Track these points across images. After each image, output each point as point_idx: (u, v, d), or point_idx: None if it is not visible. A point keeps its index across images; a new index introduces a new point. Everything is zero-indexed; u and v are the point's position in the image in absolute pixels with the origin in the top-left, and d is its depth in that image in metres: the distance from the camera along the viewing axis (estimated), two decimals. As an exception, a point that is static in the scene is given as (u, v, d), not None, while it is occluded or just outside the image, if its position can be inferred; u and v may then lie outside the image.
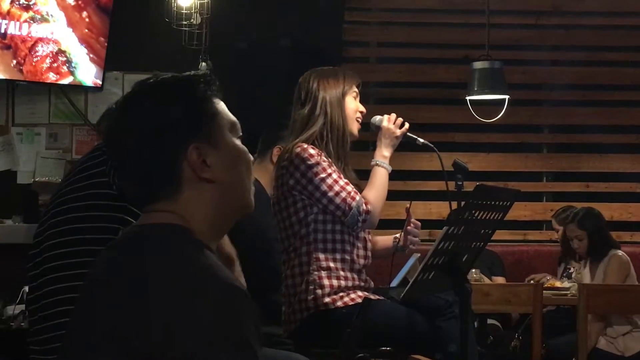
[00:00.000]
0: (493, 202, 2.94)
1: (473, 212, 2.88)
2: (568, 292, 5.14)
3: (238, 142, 1.64)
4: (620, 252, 5.39)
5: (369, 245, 3.40)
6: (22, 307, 5.11)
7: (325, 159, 3.28)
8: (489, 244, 3.30)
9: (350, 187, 3.28)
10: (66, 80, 5.83)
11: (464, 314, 2.88)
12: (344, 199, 3.23)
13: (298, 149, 3.27)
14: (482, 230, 3.03)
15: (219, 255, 2.44)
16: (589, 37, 6.80)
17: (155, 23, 5.85)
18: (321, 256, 3.25)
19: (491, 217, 2.96)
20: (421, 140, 3.50)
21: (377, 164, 3.41)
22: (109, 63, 5.96)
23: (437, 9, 6.72)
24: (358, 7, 6.71)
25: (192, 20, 5.77)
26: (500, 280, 5.86)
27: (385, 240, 3.57)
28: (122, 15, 5.95)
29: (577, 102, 6.76)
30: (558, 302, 5.34)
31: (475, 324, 5.30)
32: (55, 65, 5.77)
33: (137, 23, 6.03)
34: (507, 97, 5.77)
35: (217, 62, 5.93)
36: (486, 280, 5.57)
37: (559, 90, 6.79)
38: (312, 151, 3.27)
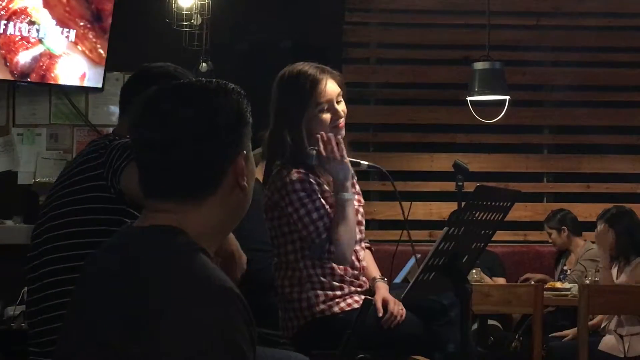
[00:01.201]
0: (493, 203, 2.94)
1: (473, 212, 2.88)
2: (569, 292, 5.14)
3: None
4: None
5: (361, 254, 3.29)
6: (23, 308, 5.11)
7: (308, 185, 3.13)
8: (489, 244, 3.29)
9: (321, 223, 3.10)
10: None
11: (464, 315, 2.88)
12: (310, 233, 3.10)
13: (285, 175, 3.14)
14: (483, 231, 3.03)
15: (222, 252, 2.45)
16: (589, 38, 6.80)
17: (155, 24, 5.85)
18: (311, 272, 3.19)
19: (491, 218, 2.96)
20: (365, 163, 3.36)
21: (339, 197, 3.14)
22: (109, 64, 5.96)
23: (437, 10, 6.72)
24: (358, 8, 6.71)
25: (192, 21, 5.77)
26: (500, 281, 5.86)
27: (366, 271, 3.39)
28: (123, 15, 5.95)
29: (578, 103, 6.76)
30: (559, 303, 5.33)
31: (475, 325, 5.31)
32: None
33: (138, 24, 6.03)
34: (507, 98, 5.77)
35: (218, 63, 5.93)
36: (487, 280, 5.56)
37: (559, 91, 6.80)
38: (294, 177, 3.13)
